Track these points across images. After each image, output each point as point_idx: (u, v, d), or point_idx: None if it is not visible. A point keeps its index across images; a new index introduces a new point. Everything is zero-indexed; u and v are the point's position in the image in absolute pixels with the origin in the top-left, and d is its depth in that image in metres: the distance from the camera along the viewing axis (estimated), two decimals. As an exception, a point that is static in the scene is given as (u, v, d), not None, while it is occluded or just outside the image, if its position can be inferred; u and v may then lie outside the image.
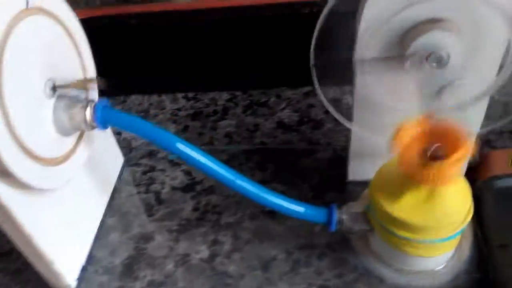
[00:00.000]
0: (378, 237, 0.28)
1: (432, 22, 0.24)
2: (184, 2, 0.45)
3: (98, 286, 0.31)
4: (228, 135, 0.42)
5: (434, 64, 0.24)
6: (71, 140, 0.28)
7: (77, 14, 0.44)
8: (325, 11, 0.23)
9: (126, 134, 0.43)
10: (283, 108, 0.44)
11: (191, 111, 0.46)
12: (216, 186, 0.37)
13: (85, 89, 0.25)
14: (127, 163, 0.40)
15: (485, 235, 0.29)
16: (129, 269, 0.32)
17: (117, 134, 0.42)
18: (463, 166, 0.25)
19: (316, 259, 0.31)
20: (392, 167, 0.26)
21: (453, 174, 0.23)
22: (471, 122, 0.29)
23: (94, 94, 0.30)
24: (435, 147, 0.24)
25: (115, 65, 0.46)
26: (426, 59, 0.24)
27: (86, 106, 0.26)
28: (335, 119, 0.30)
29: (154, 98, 0.48)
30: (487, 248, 0.29)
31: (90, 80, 0.28)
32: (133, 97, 0.48)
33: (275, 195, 0.29)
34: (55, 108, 0.26)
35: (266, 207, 0.30)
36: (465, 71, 0.25)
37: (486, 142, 0.38)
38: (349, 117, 0.30)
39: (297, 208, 0.29)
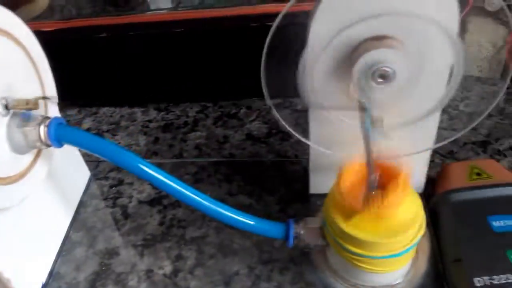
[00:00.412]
0: (334, 252, 0.28)
1: (379, 39, 0.24)
2: (153, 14, 0.45)
3: (60, 303, 0.32)
4: (198, 146, 0.43)
5: (380, 80, 0.24)
6: (28, 158, 0.28)
7: (48, 25, 0.44)
8: (272, 28, 0.24)
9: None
10: (253, 120, 0.45)
11: (162, 123, 0.46)
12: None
13: (36, 108, 0.25)
14: (94, 177, 0.40)
15: (441, 249, 0.30)
16: (92, 285, 0.32)
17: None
18: (406, 190, 0.25)
19: (278, 274, 0.32)
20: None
21: (393, 203, 0.24)
22: (420, 140, 0.29)
23: (51, 112, 0.30)
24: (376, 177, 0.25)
25: (86, 77, 0.47)
26: (372, 74, 0.24)
27: (40, 124, 0.26)
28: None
29: (126, 110, 0.48)
30: (442, 263, 0.29)
31: (43, 99, 0.28)
32: (105, 109, 0.48)
33: (235, 212, 0.29)
34: (8, 127, 0.26)
35: (226, 224, 0.30)
36: (412, 87, 0.25)
37: (449, 153, 0.39)
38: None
39: (255, 224, 0.29)
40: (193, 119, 0.46)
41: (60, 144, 0.27)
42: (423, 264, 0.29)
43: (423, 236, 0.28)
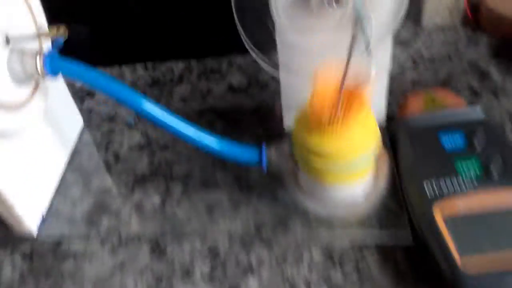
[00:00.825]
0: (302, 172, 0.31)
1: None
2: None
3: (60, 233, 0.35)
4: (183, 99, 0.46)
5: (335, 4, 0.27)
6: (27, 90, 0.31)
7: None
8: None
9: (88, 103, 0.46)
10: (234, 73, 0.48)
11: (149, 80, 0.49)
12: (170, 144, 0.41)
13: (38, 39, 0.29)
14: (88, 128, 0.43)
15: (398, 170, 0.33)
16: (88, 218, 0.36)
17: (80, 102, 0.45)
18: (363, 109, 0.28)
19: (255, 199, 0.35)
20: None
21: (353, 119, 0.27)
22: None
23: (48, 45, 0.33)
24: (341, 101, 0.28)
25: (76, 38, 0.49)
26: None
27: (37, 55, 0.29)
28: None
29: (116, 70, 0.51)
30: (398, 175, 0.32)
31: (43, 32, 0.32)
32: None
33: (216, 139, 0.32)
34: (9, 58, 0.29)
35: (207, 151, 0.33)
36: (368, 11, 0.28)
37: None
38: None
39: (232, 150, 0.32)
40: (179, 75, 0.49)
41: (55, 74, 0.30)
42: (382, 182, 0.32)
43: (381, 161, 0.31)
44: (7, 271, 0.33)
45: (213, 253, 0.32)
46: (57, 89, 0.38)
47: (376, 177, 0.33)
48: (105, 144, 0.42)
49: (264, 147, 0.32)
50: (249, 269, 0.31)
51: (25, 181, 0.33)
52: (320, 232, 0.32)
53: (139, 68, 0.50)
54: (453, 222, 0.28)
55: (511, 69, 0.42)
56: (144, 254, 0.33)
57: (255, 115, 0.42)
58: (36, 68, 0.29)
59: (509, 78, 0.42)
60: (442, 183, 0.29)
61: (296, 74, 0.31)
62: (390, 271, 0.30)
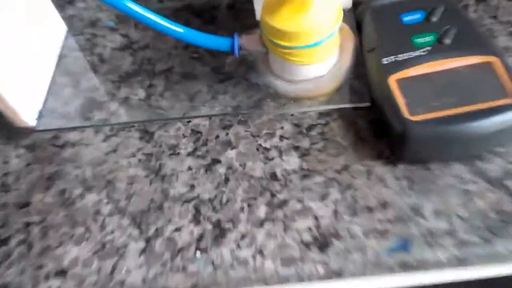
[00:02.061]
0: (271, 54, 0.34)
1: None
2: None
3: (57, 127, 0.38)
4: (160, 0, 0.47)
5: None
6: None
7: None
8: None
9: (69, 10, 0.47)
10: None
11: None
12: (150, 43, 0.43)
13: None
14: (73, 33, 0.45)
15: (361, 47, 0.36)
16: (81, 113, 0.39)
17: (61, 10, 0.47)
18: None
19: (232, 87, 0.38)
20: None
21: None
22: None
23: None
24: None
25: None
26: None
27: None
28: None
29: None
30: (362, 56, 0.35)
31: None
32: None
33: (191, 31, 0.34)
34: None
35: (183, 41, 0.35)
36: None
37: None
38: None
39: (205, 38, 0.35)
40: (155, -22, 0.49)
41: None
42: (347, 60, 0.35)
43: (347, 41, 0.33)
44: (14, 161, 0.37)
45: (196, 134, 0.36)
46: (36, -6, 0.40)
47: (341, 56, 0.35)
48: (89, 47, 0.44)
49: (235, 35, 0.34)
50: (228, 144, 0.35)
51: (19, 79, 0.36)
52: (290, 108, 0.36)
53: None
54: (404, 84, 0.31)
55: None
56: (134, 139, 0.37)
57: (230, 12, 0.44)
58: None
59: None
60: (399, 57, 0.32)
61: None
62: (351, 133, 0.34)
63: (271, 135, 0.35)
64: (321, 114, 0.35)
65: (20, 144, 0.38)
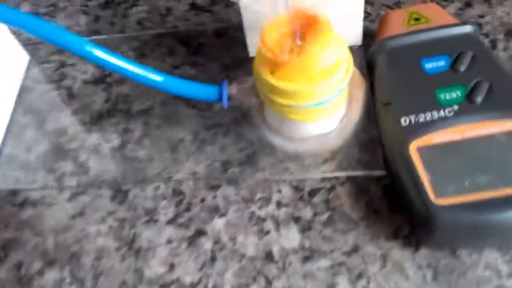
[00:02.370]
0: (267, 107, 0.28)
1: None
2: None
3: (14, 181, 0.33)
4: (140, 22, 0.41)
5: None
6: None
7: None
8: None
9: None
10: (197, -12, 0.42)
11: (102, 0, 0.43)
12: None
13: None
14: (37, 61, 0.39)
15: (374, 98, 0.30)
16: (44, 163, 0.33)
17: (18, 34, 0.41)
18: (326, 36, 0.25)
19: (221, 137, 0.32)
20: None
21: (315, 50, 0.23)
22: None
23: None
24: (299, 29, 0.24)
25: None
26: None
27: None
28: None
29: (62, -12, 0.45)
30: (374, 109, 0.30)
31: None
32: (41, -10, 0.45)
33: (173, 79, 0.29)
34: None
35: (164, 91, 0.30)
36: None
37: (396, 4, 0.38)
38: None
39: (189, 87, 0.29)
40: (134, -7, 0.43)
41: None
42: (356, 113, 0.30)
43: (357, 88, 0.28)
44: (-37, 224, 0.32)
45: (178, 195, 0.31)
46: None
47: (349, 106, 0.30)
48: (56, 79, 0.38)
49: (224, 83, 0.29)
50: (215, 211, 0.30)
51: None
52: (289, 168, 0.30)
53: (90, -13, 0.45)
54: (428, 155, 0.25)
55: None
56: (105, 200, 0.31)
57: (220, 38, 0.38)
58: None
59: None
60: (420, 117, 0.26)
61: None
62: (362, 203, 0.29)
63: (267, 200, 0.30)
64: (326, 172, 0.30)
65: (-29, 202, 0.32)
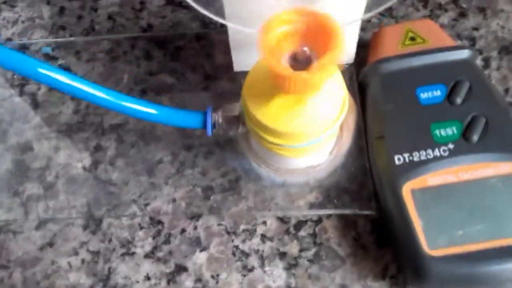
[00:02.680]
0: (254, 139, 0.26)
1: None
2: None
3: (-25, 205, 0.30)
4: (110, 17, 0.37)
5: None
6: None
7: None
8: None
9: (-9, 24, 0.37)
10: (173, -21, 0.39)
11: (67, -12, 0.39)
12: (98, 81, 0.34)
13: None
14: (-6, 61, 0.35)
15: (365, 126, 0.29)
16: (7, 183, 0.31)
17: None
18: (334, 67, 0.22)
19: (202, 159, 0.30)
20: (263, 69, 0.24)
21: (318, 83, 0.21)
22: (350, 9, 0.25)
23: None
24: (303, 50, 0.21)
25: None
26: None
27: None
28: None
29: (22, -27, 0.40)
30: (366, 140, 0.28)
31: None
32: (-3, -28, 0.40)
33: (150, 105, 0.26)
34: None
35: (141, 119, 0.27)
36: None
37: (387, 11, 0.35)
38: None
39: (172, 115, 0.27)
40: (103, -20, 0.39)
41: None
42: (347, 142, 0.28)
43: (348, 113, 0.26)
44: None
45: (156, 224, 0.29)
46: None
47: (340, 135, 0.28)
48: (18, 83, 0.34)
49: (209, 110, 0.26)
50: (197, 243, 0.28)
51: None
52: (275, 197, 0.29)
53: (53, -29, 0.40)
54: (421, 199, 0.24)
55: (503, -22, 0.36)
56: (76, 228, 0.29)
57: (200, 42, 0.35)
58: None
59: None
60: (415, 155, 0.25)
61: (246, 24, 0.24)
62: (349, 238, 0.28)
63: (251, 233, 0.28)
64: (312, 205, 0.28)
65: None
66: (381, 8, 0.25)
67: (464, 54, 0.28)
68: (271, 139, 0.24)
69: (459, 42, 0.33)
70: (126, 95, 0.26)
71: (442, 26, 0.34)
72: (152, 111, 0.26)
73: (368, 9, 0.26)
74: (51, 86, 0.25)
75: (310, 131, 0.23)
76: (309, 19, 0.21)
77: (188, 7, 0.37)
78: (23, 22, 0.37)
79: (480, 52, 0.33)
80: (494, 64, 0.33)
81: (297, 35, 0.21)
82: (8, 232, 0.29)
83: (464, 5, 0.35)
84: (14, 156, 0.32)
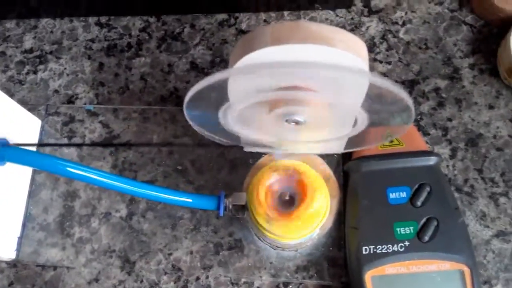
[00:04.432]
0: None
1: (292, 89, 0.25)
2: None
3: (36, 243, 0.38)
4: (143, 77, 0.44)
5: (293, 124, 0.27)
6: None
7: None
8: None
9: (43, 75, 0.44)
10: (197, 44, 0.44)
11: (105, 44, 0.45)
12: (133, 139, 0.41)
13: None
14: (47, 112, 0.42)
15: (345, 214, 0.36)
16: (60, 226, 0.39)
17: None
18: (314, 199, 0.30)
19: (214, 219, 0.38)
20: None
21: (303, 211, 0.29)
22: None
23: None
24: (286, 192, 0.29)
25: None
26: (287, 121, 0.26)
27: None
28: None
29: (66, 24, 0.46)
30: (344, 225, 0.36)
31: None
32: (44, 22, 0.46)
33: (168, 191, 0.34)
34: None
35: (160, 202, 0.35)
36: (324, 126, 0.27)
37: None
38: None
39: (188, 199, 0.34)
40: (136, 39, 0.45)
41: (3, 163, 0.29)
42: (329, 223, 0.36)
43: (332, 198, 0.34)
44: (-5, 279, 0.38)
45: (177, 271, 0.37)
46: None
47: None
48: (66, 136, 0.42)
49: (222, 197, 0.34)
50: (207, 290, 0.37)
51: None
52: (270, 259, 0.37)
53: (92, 24, 0.46)
54: (379, 284, 0.33)
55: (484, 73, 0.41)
56: (115, 269, 0.38)
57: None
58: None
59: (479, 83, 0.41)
60: (378, 248, 0.33)
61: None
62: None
63: (250, 285, 0.37)
64: (299, 268, 0.37)
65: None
66: (358, 148, 0.32)
67: (431, 160, 0.35)
68: (268, 234, 0.32)
69: (433, 132, 0.40)
70: (151, 185, 0.34)
71: (422, 114, 0.40)
72: (177, 198, 0.34)
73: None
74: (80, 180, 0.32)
75: (297, 236, 0.31)
76: (293, 173, 0.28)
77: (209, 73, 0.43)
78: (67, 75, 0.44)
79: (450, 142, 0.40)
80: (460, 154, 0.39)
81: (282, 182, 0.28)
82: (63, 268, 0.38)
83: (444, 95, 0.41)
84: (65, 202, 0.40)
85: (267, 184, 0.30)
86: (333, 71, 0.22)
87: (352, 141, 0.32)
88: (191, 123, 0.30)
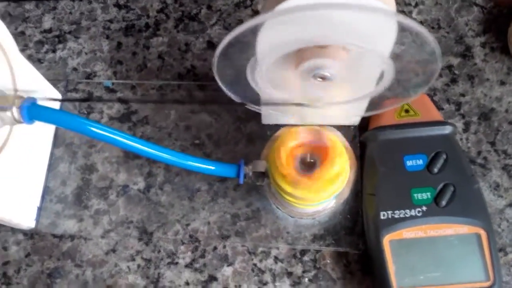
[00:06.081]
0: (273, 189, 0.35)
1: (322, 47, 0.26)
2: None
3: (54, 215, 0.39)
4: (160, 55, 0.44)
5: (319, 80, 0.27)
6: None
7: None
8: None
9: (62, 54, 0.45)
10: (214, 24, 0.45)
11: (123, 24, 0.46)
12: (150, 117, 0.42)
13: (12, 105, 0.28)
14: (66, 89, 0.43)
15: (362, 180, 0.36)
16: (78, 198, 0.39)
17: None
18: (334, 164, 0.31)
19: (232, 190, 0.39)
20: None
21: (323, 175, 0.29)
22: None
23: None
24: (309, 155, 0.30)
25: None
26: (314, 76, 0.27)
27: (13, 105, 0.29)
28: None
29: (85, 5, 0.47)
30: (361, 194, 0.36)
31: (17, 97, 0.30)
32: (63, 3, 0.47)
33: (191, 158, 0.34)
34: None
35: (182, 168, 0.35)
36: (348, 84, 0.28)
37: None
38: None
39: (209, 166, 0.34)
40: (154, 20, 0.46)
41: (31, 122, 0.30)
42: (346, 193, 0.36)
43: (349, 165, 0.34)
44: (13, 249, 0.38)
45: (194, 241, 0.37)
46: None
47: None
48: (84, 113, 0.42)
49: (242, 164, 0.34)
50: (225, 259, 0.37)
51: (16, 188, 0.35)
52: (287, 228, 0.37)
53: (111, 5, 0.47)
54: (396, 248, 0.33)
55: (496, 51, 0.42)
56: (133, 239, 0.38)
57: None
58: (14, 118, 0.29)
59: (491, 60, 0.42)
60: (396, 213, 0.33)
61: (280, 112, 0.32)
62: (341, 265, 0.36)
63: (267, 254, 0.37)
64: (315, 237, 0.37)
65: (19, 231, 0.38)
66: (377, 111, 0.32)
67: (446, 129, 0.36)
68: (288, 197, 0.32)
69: (446, 107, 0.40)
70: (176, 152, 0.34)
71: (435, 89, 0.41)
72: (199, 165, 0.34)
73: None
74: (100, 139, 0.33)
75: (317, 198, 0.31)
76: (314, 136, 0.29)
77: (225, 53, 0.44)
78: (86, 53, 0.45)
79: (463, 116, 0.40)
80: (473, 128, 0.40)
81: (304, 146, 0.29)
82: (80, 238, 0.38)
83: (456, 72, 0.42)
84: (83, 175, 0.40)
85: (289, 145, 0.31)
86: (368, 12, 0.23)
87: (372, 104, 0.32)
88: (216, 77, 0.30)
